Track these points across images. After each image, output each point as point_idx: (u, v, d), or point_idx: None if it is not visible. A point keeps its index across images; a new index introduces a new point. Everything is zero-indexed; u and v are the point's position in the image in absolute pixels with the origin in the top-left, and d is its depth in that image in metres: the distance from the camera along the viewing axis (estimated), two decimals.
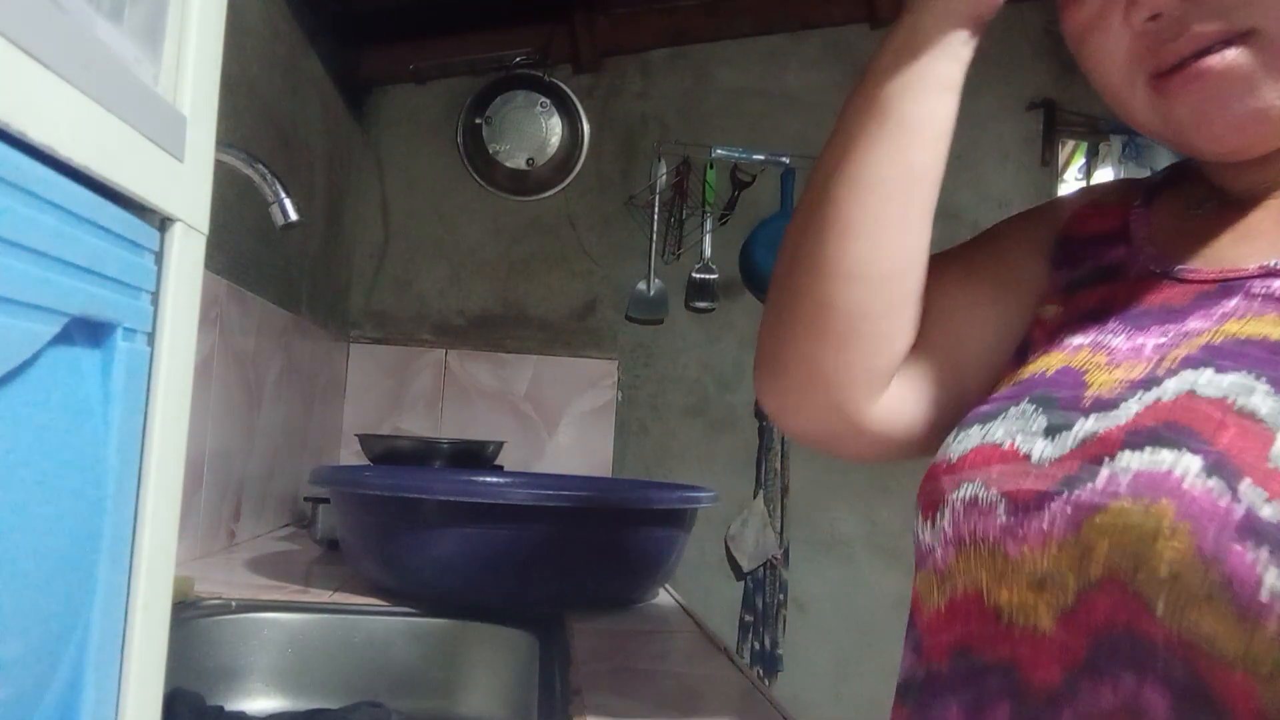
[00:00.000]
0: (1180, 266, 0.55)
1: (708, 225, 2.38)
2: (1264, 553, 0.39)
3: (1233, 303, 0.50)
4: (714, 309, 2.39)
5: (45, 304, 0.28)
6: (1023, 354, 0.60)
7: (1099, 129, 2.47)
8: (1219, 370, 0.46)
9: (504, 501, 1.13)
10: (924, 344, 0.62)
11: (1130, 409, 0.47)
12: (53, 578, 0.30)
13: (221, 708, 0.92)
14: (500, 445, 1.85)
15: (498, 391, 2.33)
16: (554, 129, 2.33)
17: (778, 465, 2.37)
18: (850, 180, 0.58)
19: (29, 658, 0.28)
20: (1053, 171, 2.50)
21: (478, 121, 2.32)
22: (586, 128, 2.36)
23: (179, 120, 0.38)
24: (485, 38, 2.27)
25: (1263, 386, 0.44)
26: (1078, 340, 0.55)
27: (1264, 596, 0.39)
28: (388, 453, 1.76)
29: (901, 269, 0.59)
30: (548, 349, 2.36)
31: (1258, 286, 0.50)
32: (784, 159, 2.40)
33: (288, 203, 0.99)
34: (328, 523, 1.49)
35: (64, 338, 0.30)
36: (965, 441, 0.53)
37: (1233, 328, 0.48)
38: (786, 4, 2.42)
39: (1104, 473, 0.45)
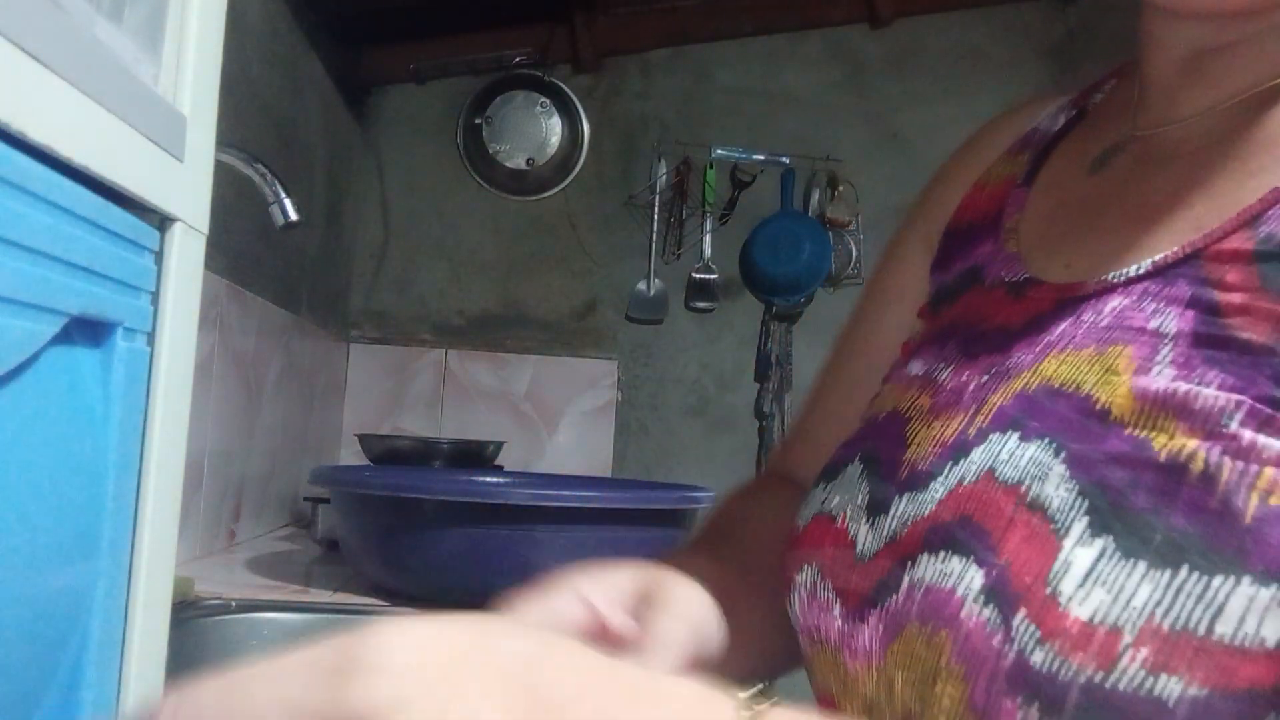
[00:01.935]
0: (1028, 275, 0.47)
1: (708, 225, 2.38)
2: (1034, 711, 0.34)
3: (1060, 329, 0.43)
4: (714, 309, 2.39)
5: (46, 304, 0.28)
6: (888, 375, 0.55)
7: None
8: (1024, 437, 0.39)
9: (504, 501, 1.13)
10: None
11: (936, 492, 0.41)
12: (53, 577, 0.30)
13: None
14: (500, 445, 1.85)
15: (498, 391, 2.33)
16: (554, 129, 2.33)
17: None
18: None
19: (29, 656, 0.28)
20: None
21: (478, 121, 2.32)
22: (586, 128, 2.36)
23: (179, 120, 0.38)
24: (485, 38, 2.27)
25: (1059, 468, 0.37)
26: (915, 368, 0.50)
27: None
28: (388, 453, 1.76)
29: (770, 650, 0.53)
30: (548, 349, 2.35)
31: (1089, 310, 0.42)
32: (784, 159, 2.40)
33: (288, 203, 0.99)
34: (328, 523, 1.49)
35: (64, 337, 0.30)
36: (810, 506, 0.49)
37: (1050, 367, 0.41)
38: (786, 4, 2.42)
39: (905, 582, 0.40)
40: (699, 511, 1.27)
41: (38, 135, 0.27)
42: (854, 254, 2.39)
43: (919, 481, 0.43)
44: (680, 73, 2.42)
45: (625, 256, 2.39)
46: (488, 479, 1.53)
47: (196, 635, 1.00)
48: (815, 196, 2.41)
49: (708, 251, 2.38)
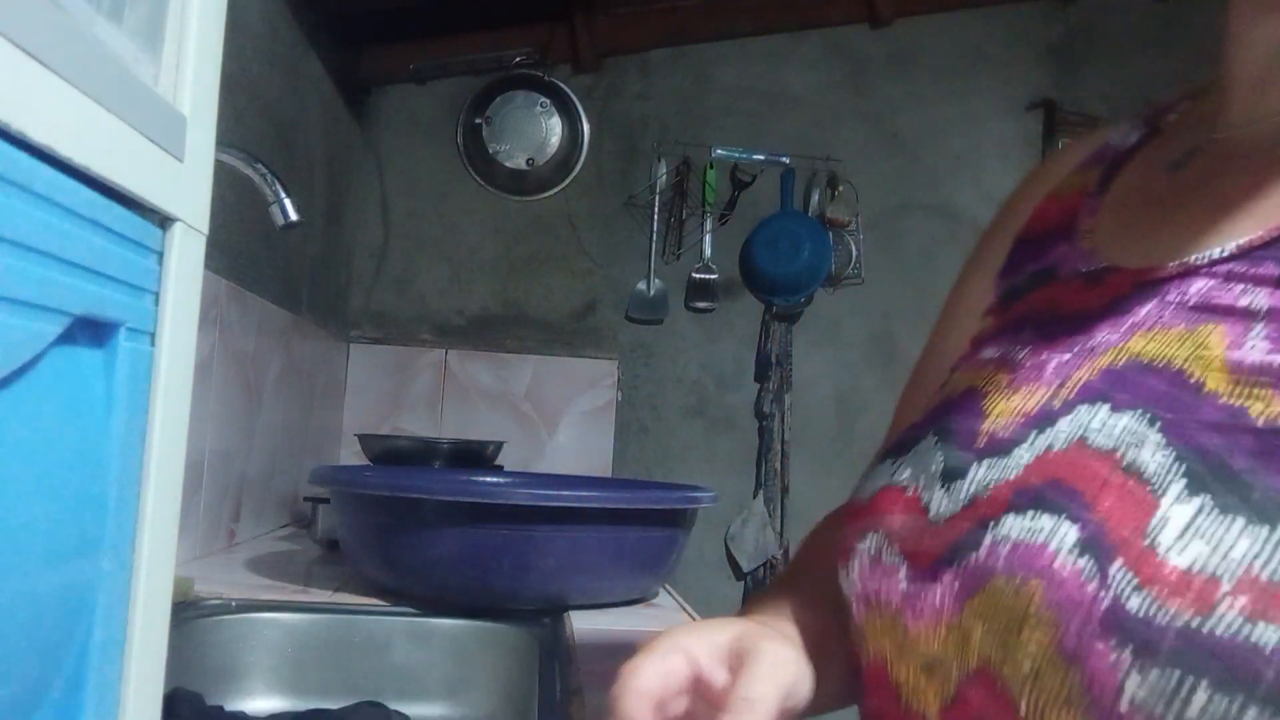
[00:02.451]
0: (1106, 264, 0.49)
1: (708, 225, 2.38)
2: (1126, 654, 0.34)
3: (1145, 310, 0.44)
4: (714, 309, 2.39)
5: (49, 304, 0.28)
6: (955, 368, 0.57)
7: (1099, 129, 2.47)
8: (1115, 408, 0.40)
9: (504, 501, 1.13)
10: None
11: (1021, 458, 0.42)
12: (55, 578, 0.30)
13: (221, 708, 0.92)
14: (500, 445, 1.85)
15: (498, 391, 2.33)
16: (554, 129, 2.33)
17: (778, 465, 2.37)
18: None
19: (31, 657, 0.28)
20: None
21: (478, 121, 2.32)
22: (586, 128, 2.36)
23: (179, 120, 0.38)
24: (485, 38, 2.27)
25: (1155, 436, 0.38)
26: (990, 353, 0.51)
27: (1123, 706, 0.34)
28: (388, 453, 1.76)
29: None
30: (548, 349, 2.36)
31: (1173, 291, 0.43)
32: (784, 159, 2.40)
33: (288, 203, 0.99)
34: (328, 523, 1.49)
35: (67, 338, 0.30)
36: (875, 480, 0.50)
37: (1138, 345, 0.42)
38: (786, 4, 2.42)
39: (987, 540, 0.41)
40: (699, 511, 1.28)
41: (38, 135, 0.27)
42: (854, 254, 2.39)
43: (1000, 448, 0.44)
44: (680, 73, 2.42)
45: (625, 256, 2.39)
46: (488, 479, 1.54)
47: (196, 635, 1.00)
48: (815, 196, 2.41)
49: (708, 251, 2.38)
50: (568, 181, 2.37)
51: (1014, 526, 0.40)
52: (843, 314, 2.43)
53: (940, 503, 0.45)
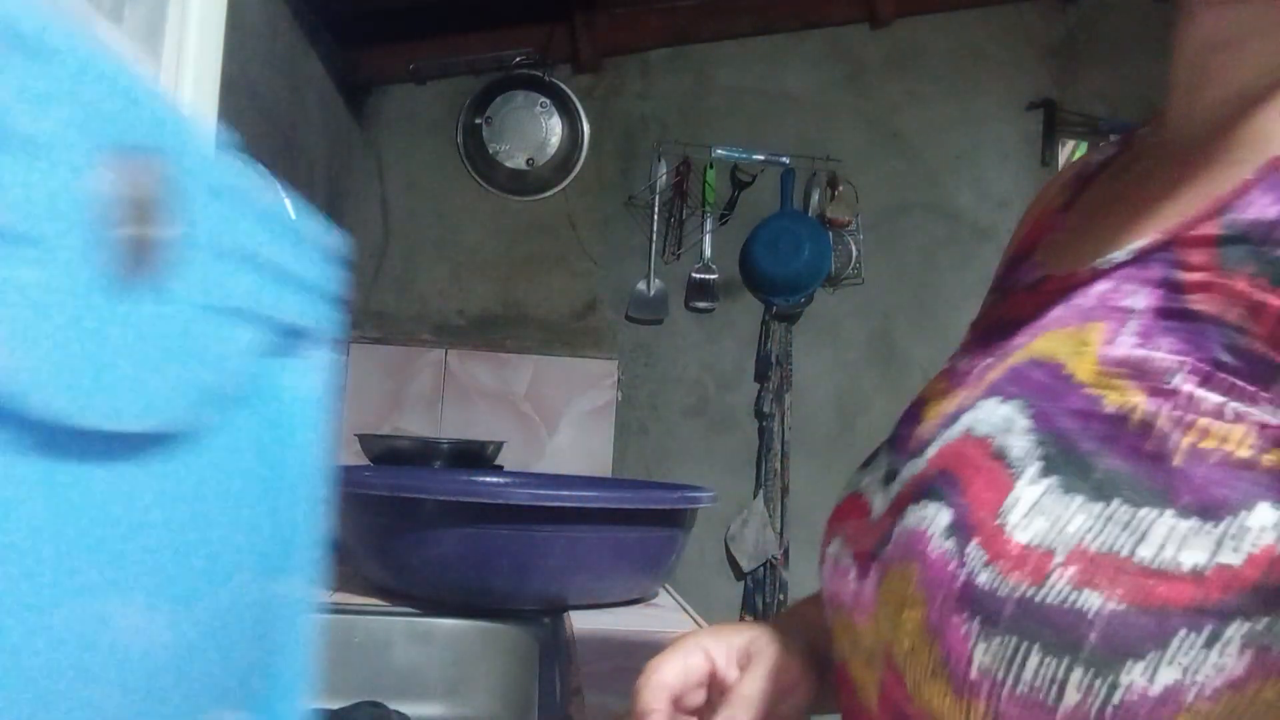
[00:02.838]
0: (1042, 274, 0.51)
1: (708, 225, 2.38)
2: (975, 625, 0.37)
3: (1054, 313, 0.46)
4: (714, 309, 2.39)
5: (264, 313, 0.29)
6: None
7: (1099, 129, 2.47)
8: (1003, 399, 0.43)
9: (504, 501, 1.13)
10: None
11: (930, 453, 0.45)
12: (256, 591, 0.30)
13: None
14: (500, 445, 1.85)
15: (498, 391, 2.33)
16: (554, 129, 2.33)
17: (778, 465, 2.37)
18: None
19: (231, 669, 0.28)
20: (1053, 172, 2.50)
21: (478, 121, 2.32)
22: (586, 128, 2.36)
23: None
24: (485, 38, 2.27)
25: (1023, 422, 0.41)
26: (947, 365, 0.55)
27: (973, 674, 0.37)
28: (388, 453, 1.76)
29: None
30: (548, 349, 2.35)
31: (1080, 294, 0.46)
32: (784, 159, 2.40)
33: (287, 203, 0.99)
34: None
35: (274, 347, 0.30)
36: (847, 488, 0.54)
37: (1039, 345, 0.45)
38: (786, 4, 2.42)
39: (895, 531, 0.44)
40: (699, 511, 1.28)
41: None
42: (854, 254, 2.39)
43: (920, 448, 0.47)
44: (680, 73, 2.42)
45: (625, 256, 2.39)
46: (488, 479, 1.54)
47: None
48: (815, 196, 2.41)
49: (708, 251, 2.38)
50: (568, 181, 2.36)
51: (910, 515, 0.43)
52: (843, 314, 2.43)
53: (879, 501, 0.48)
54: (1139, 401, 0.38)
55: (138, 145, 0.21)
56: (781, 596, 2.35)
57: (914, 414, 0.51)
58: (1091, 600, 0.35)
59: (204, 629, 0.26)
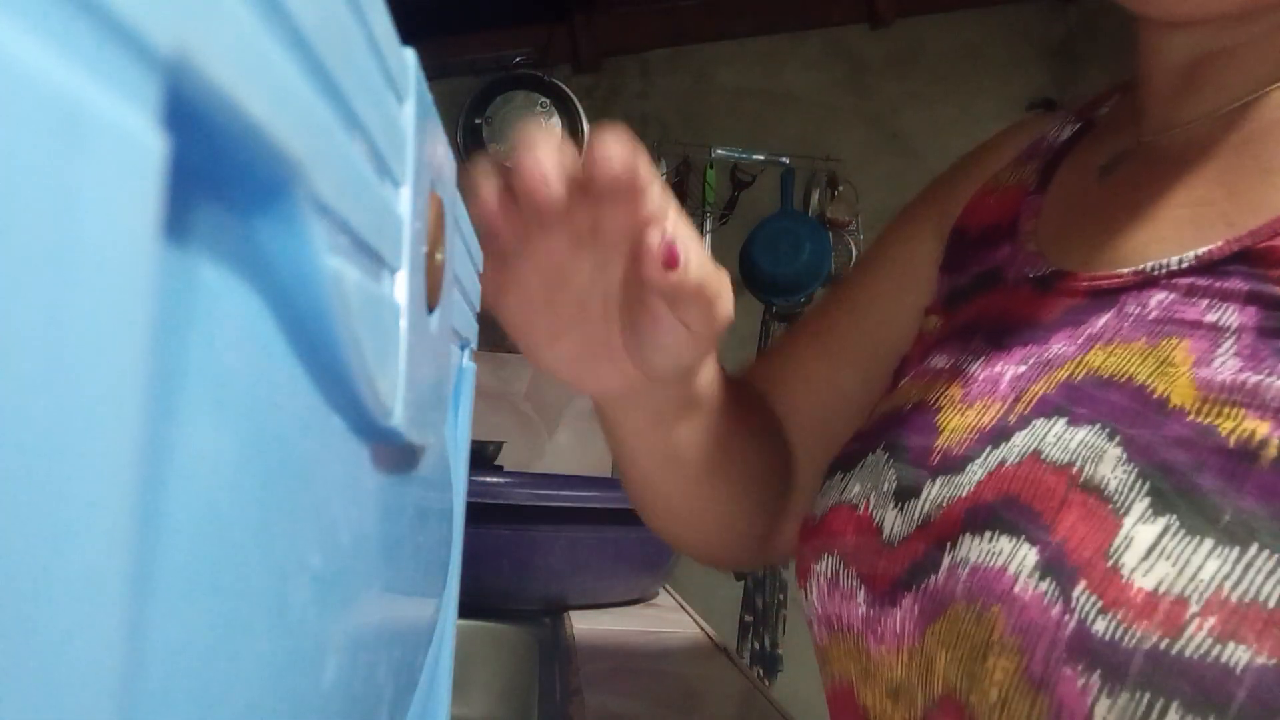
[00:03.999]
0: (1054, 269, 0.47)
1: (708, 225, 2.38)
2: (1095, 679, 0.33)
3: (1102, 321, 0.42)
4: None
5: (462, 331, 0.30)
6: (902, 371, 0.56)
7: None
8: (1072, 422, 0.39)
9: (504, 501, 1.13)
10: (816, 441, 0.58)
11: (974, 474, 0.41)
12: (420, 609, 0.30)
13: None
14: (500, 445, 1.85)
15: (498, 391, 2.33)
16: (554, 129, 2.33)
17: None
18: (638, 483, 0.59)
19: (392, 692, 0.28)
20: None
21: (478, 121, 2.32)
22: (586, 128, 2.36)
23: None
24: (485, 38, 2.27)
25: (1114, 450, 0.37)
26: (940, 363, 0.50)
27: None
28: None
29: (734, 521, 0.56)
30: None
31: (1131, 302, 0.42)
32: (784, 159, 2.40)
33: None
34: None
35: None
36: (826, 497, 0.49)
37: (1097, 358, 0.41)
38: (786, 4, 2.42)
39: (945, 562, 0.40)
40: None
41: None
42: (854, 254, 2.39)
43: (953, 465, 0.42)
44: (680, 73, 2.42)
45: None
46: (488, 479, 1.54)
47: None
48: (815, 196, 2.41)
49: (707, 251, 2.38)
50: None
51: (971, 548, 0.39)
52: None
53: (894, 523, 0.44)
54: (1266, 433, 0.34)
55: (435, 171, 0.23)
56: (781, 596, 2.35)
57: (922, 421, 0.47)
58: (1238, 654, 0.32)
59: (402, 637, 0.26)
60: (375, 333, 0.17)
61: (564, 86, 2.34)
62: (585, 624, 1.08)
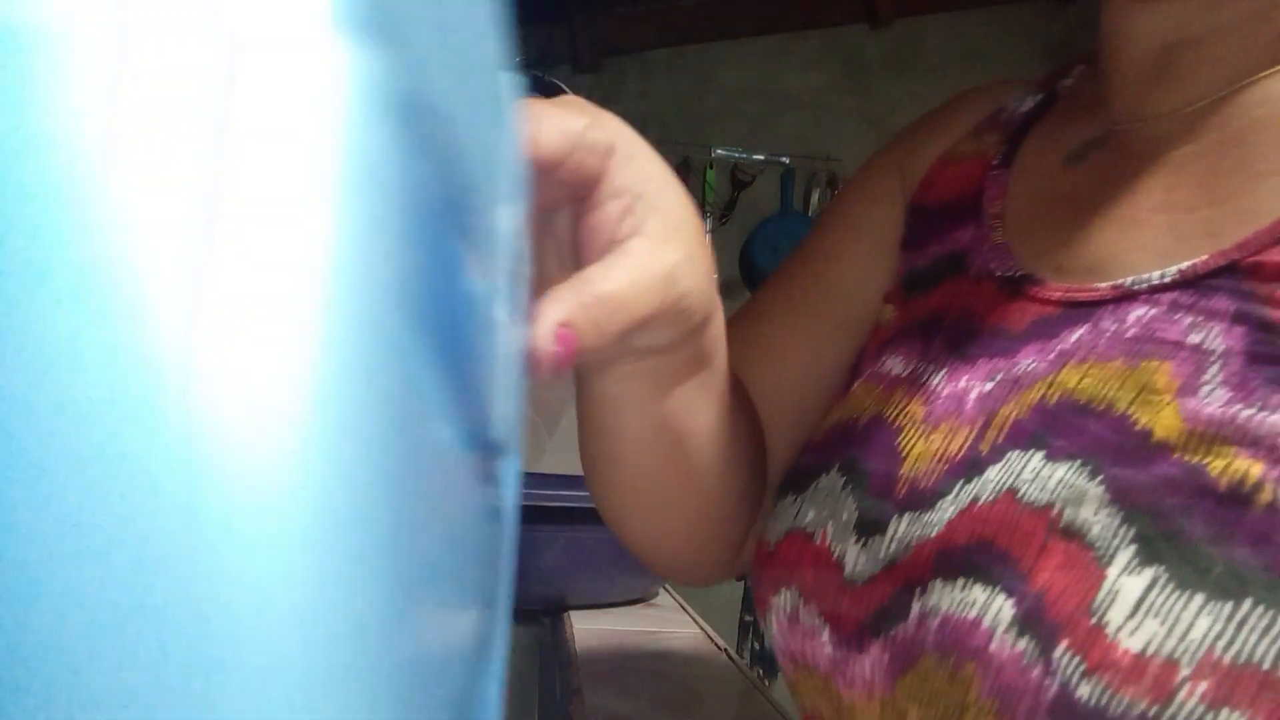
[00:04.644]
0: (1023, 272, 0.43)
1: (707, 225, 2.38)
2: None
3: (1075, 336, 0.39)
4: None
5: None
6: (858, 367, 0.51)
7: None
8: (1050, 455, 0.36)
9: None
10: (783, 432, 0.52)
11: (945, 512, 0.38)
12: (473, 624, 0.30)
13: None
14: None
15: None
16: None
17: None
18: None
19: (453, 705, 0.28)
20: None
21: None
22: None
23: None
24: None
25: (1096, 490, 0.34)
26: (898, 368, 0.46)
27: None
28: None
29: (702, 517, 0.47)
30: None
31: (1107, 317, 0.39)
32: (784, 159, 2.40)
33: None
34: None
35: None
36: (780, 521, 0.46)
37: (1070, 378, 0.38)
38: (786, 4, 2.42)
39: (915, 610, 0.37)
40: None
41: None
42: None
43: (922, 500, 0.39)
44: (680, 73, 2.42)
45: None
46: None
47: None
48: (815, 196, 2.41)
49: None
50: None
51: (943, 597, 0.36)
52: None
53: (856, 560, 0.41)
54: (1259, 475, 0.32)
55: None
56: None
57: (882, 442, 0.43)
58: None
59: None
60: (487, 346, 0.17)
61: (564, 86, 2.34)
62: (585, 624, 1.08)
